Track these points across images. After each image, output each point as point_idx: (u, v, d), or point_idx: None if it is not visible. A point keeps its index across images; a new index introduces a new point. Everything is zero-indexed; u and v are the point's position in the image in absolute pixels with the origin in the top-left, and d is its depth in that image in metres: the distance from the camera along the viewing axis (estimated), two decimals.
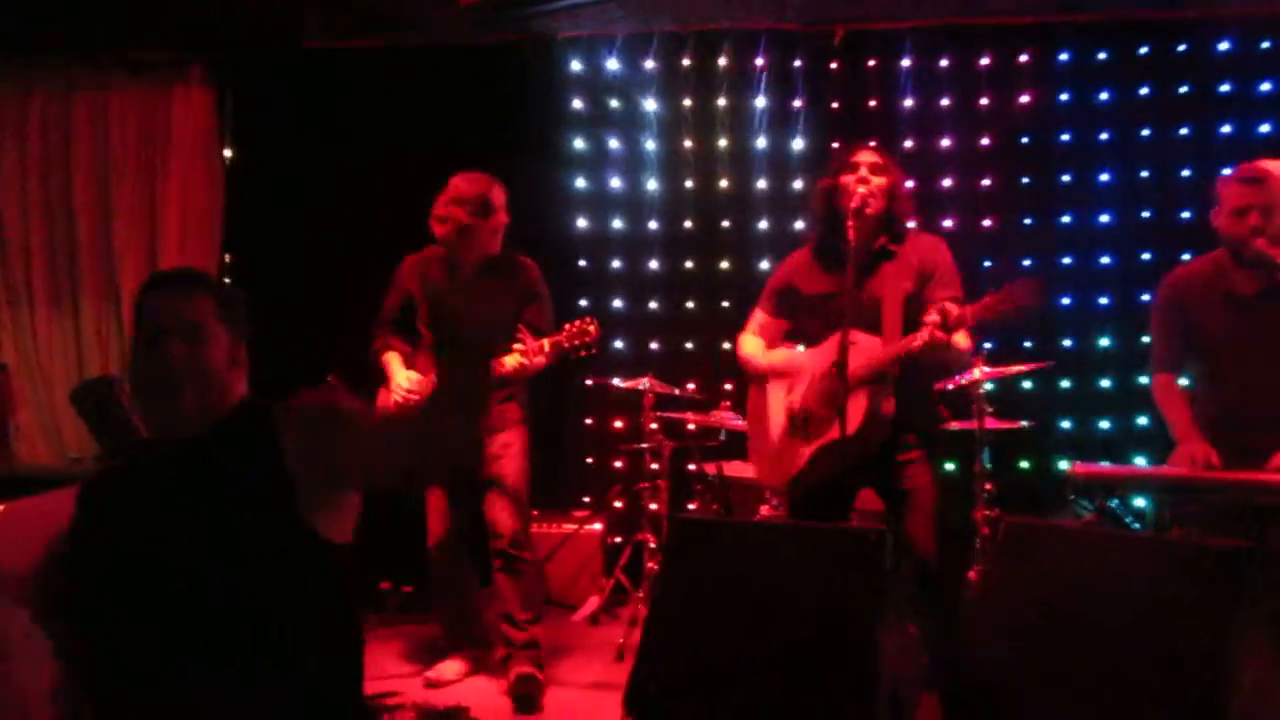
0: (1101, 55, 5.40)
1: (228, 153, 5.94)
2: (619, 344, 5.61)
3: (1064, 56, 5.42)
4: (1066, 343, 5.33)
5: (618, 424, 5.65)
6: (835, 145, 4.88)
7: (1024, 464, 5.26)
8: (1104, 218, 5.37)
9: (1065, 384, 5.32)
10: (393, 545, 5.22)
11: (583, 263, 5.71)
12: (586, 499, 5.62)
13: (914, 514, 3.19)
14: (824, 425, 3.23)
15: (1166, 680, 1.86)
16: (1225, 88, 5.27)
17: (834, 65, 5.57)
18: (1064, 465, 5.07)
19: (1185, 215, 5.18)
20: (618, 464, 5.62)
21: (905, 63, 5.52)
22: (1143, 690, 1.92)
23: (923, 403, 3.33)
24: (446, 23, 5.54)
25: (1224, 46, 5.27)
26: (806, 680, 2.16)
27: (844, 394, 3.00)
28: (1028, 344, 5.28)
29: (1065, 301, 5.36)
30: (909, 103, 5.51)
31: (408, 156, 5.58)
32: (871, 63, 5.56)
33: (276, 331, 5.61)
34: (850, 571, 2.25)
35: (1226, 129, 5.26)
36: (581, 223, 5.74)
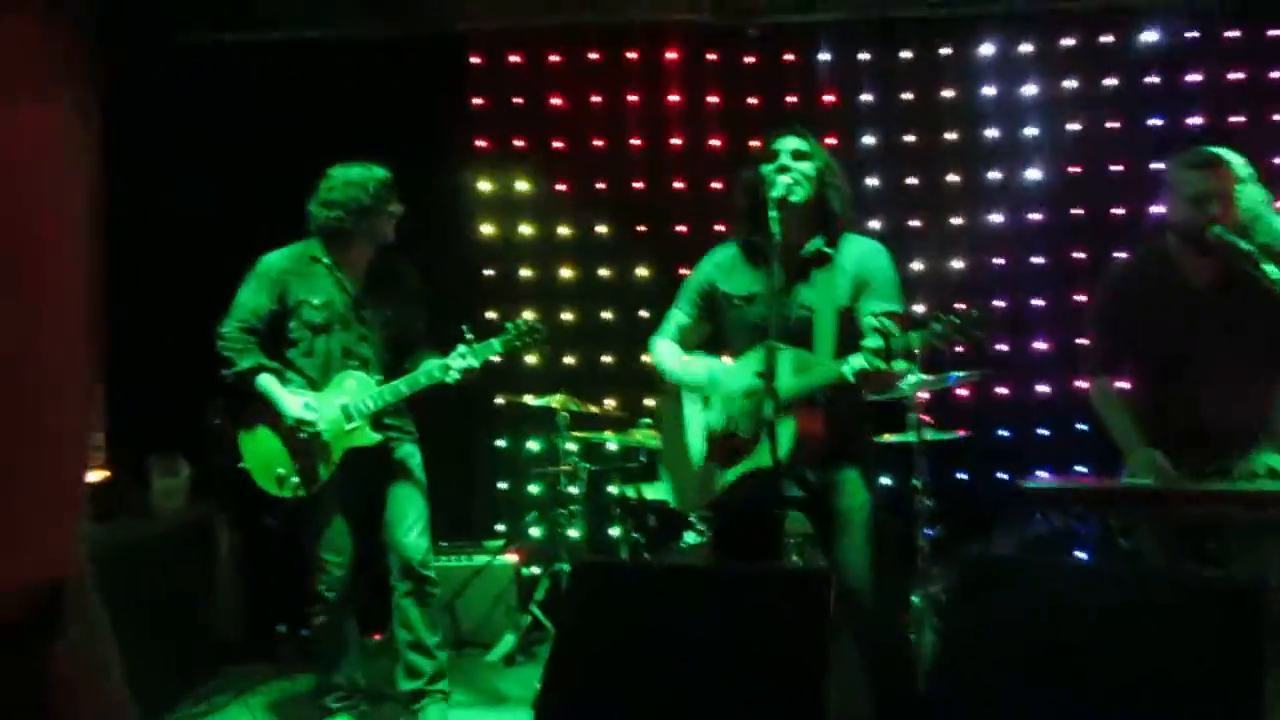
0: (1026, 48, 5.20)
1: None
2: (530, 358, 5.20)
3: (987, 49, 5.21)
4: (1001, 347, 5.09)
5: (532, 445, 5.25)
6: (754, 143, 4.59)
7: (961, 476, 5.00)
8: (1035, 216, 5.16)
9: (1001, 390, 5.08)
10: (289, 585, 4.77)
11: (489, 271, 5.30)
12: (500, 528, 5.19)
13: (847, 537, 2.88)
14: (749, 448, 2.89)
15: None
16: (1152, 79, 5.10)
17: (750, 60, 5.27)
18: (1003, 476, 4.83)
19: (1118, 211, 5.00)
20: (533, 489, 5.21)
21: (824, 57, 5.26)
22: None
23: (857, 418, 3.03)
24: (340, 15, 5.10)
25: (1150, 37, 5.10)
26: None
27: (773, 414, 2.65)
28: (959, 349, 5.04)
29: (999, 304, 5.13)
30: (829, 98, 5.25)
31: (296, 155, 5.14)
32: (789, 57, 5.28)
33: (155, 345, 5.22)
34: (789, 619, 1.90)
35: (1155, 121, 5.09)
36: (486, 228, 5.33)
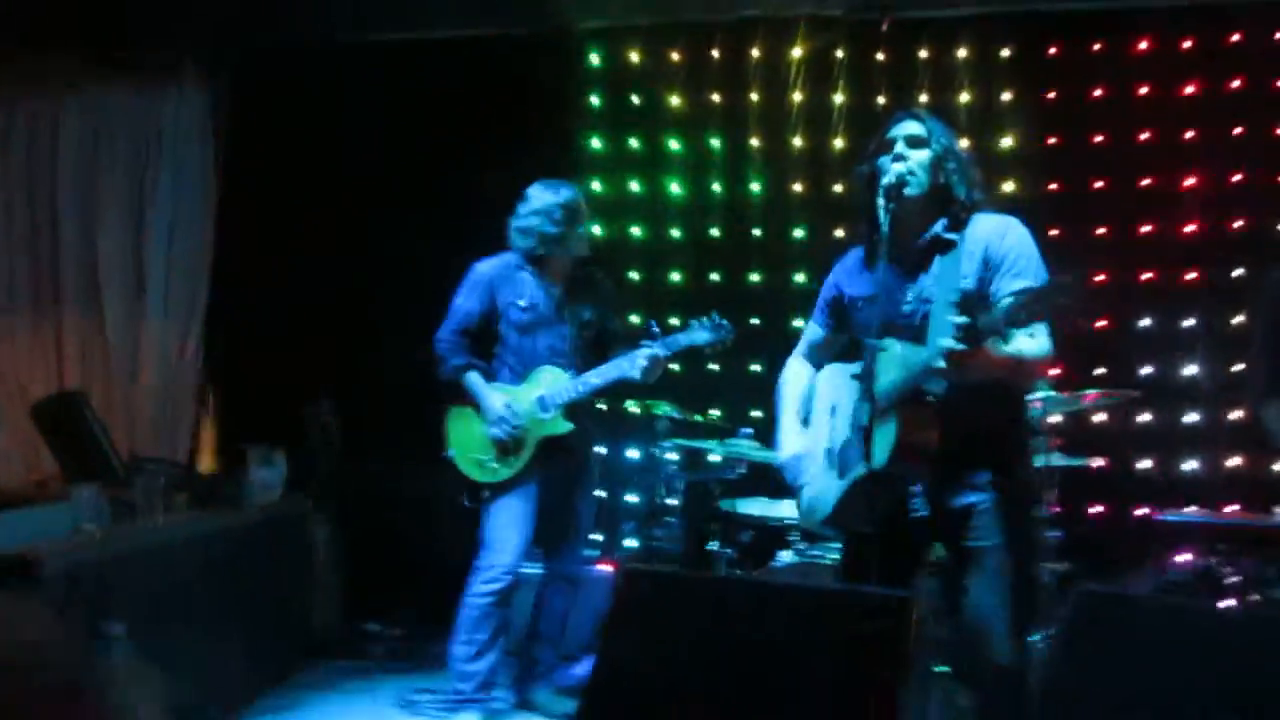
0: (1187, 44, 4.74)
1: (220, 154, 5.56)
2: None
3: (1143, 45, 4.77)
4: (1146, 369, 4.64)
5: (632, 454, 5.07)
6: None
7: (1096, 509, 4.57)
8: (1190, 228, 4.68)
9: (1144, 417, 4.62)
10: (383, 579, 4.75)
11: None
12: (596, 537, 5.02)
13: (978, 580, 2.51)
14: (856, 457, 2.60)
15: None
16: None
17: (881, 56, 4.98)
18: (1144, 512, 4.38)
19: None
20: (631, 498, 5.03)
21: (962, 53, 4.93)
22: None
23: (995, 431, 2.60)
24: (456, 14, 5.09)
25: None
26: None
27: (869, 417, 2.39)
28: (1101, 370, 4.62)
29: (1145, 323, 4.68)
30: (965, 98, 4.90)
31: (413, 155, 5.20)
32: (924, 54, 4.96)
33: (265, 343, 5.31)
34: (863, 650, 1.65)
35: None
36: (596, 229, 5.19)
